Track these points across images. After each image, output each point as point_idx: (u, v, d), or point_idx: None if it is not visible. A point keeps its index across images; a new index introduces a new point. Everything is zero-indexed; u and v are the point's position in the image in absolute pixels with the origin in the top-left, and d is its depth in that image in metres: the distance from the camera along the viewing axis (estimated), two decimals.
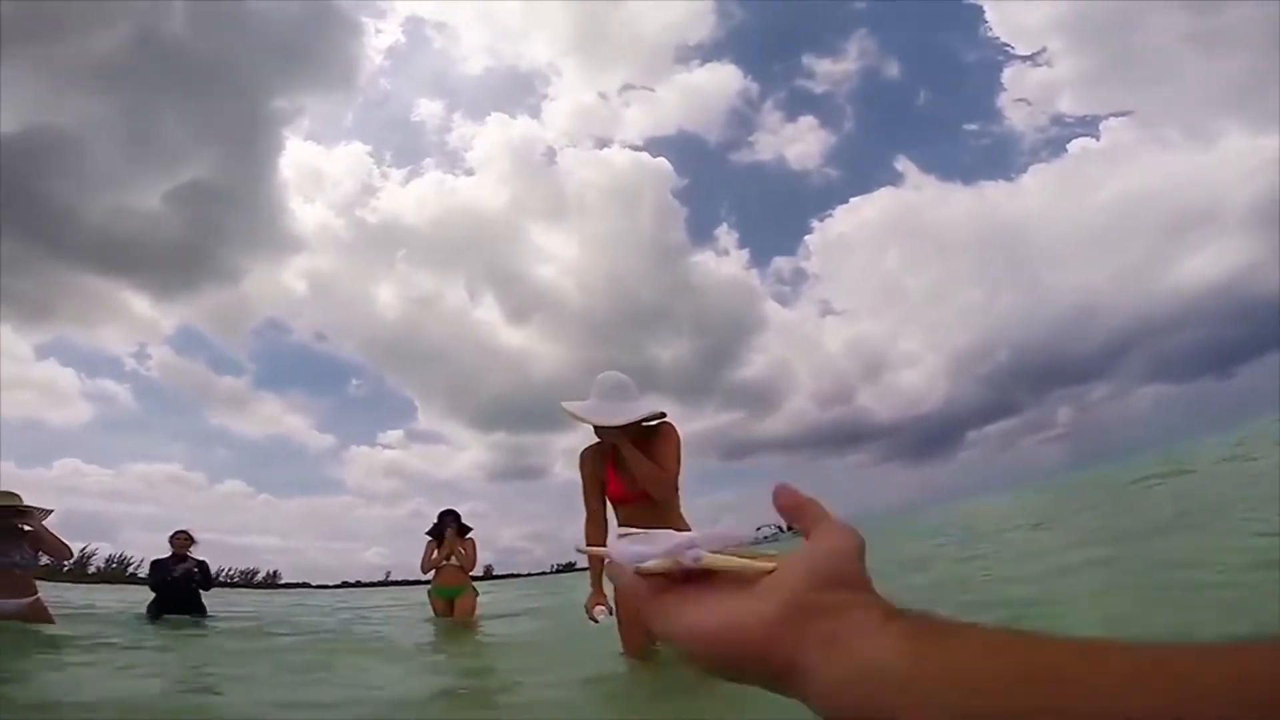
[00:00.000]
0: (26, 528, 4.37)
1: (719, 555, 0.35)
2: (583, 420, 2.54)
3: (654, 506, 2.61)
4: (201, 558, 6.37)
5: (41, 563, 4.49)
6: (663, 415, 2.65)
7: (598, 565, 2.63)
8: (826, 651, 0.29)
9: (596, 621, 2.65)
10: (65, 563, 4.79)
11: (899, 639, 0.28)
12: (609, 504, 2.75)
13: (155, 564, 6.14)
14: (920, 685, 0.26)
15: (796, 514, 0.37)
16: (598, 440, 2.71)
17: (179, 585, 6.04)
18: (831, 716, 0.29)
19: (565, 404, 2.59)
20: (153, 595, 6.05)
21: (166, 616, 5.89)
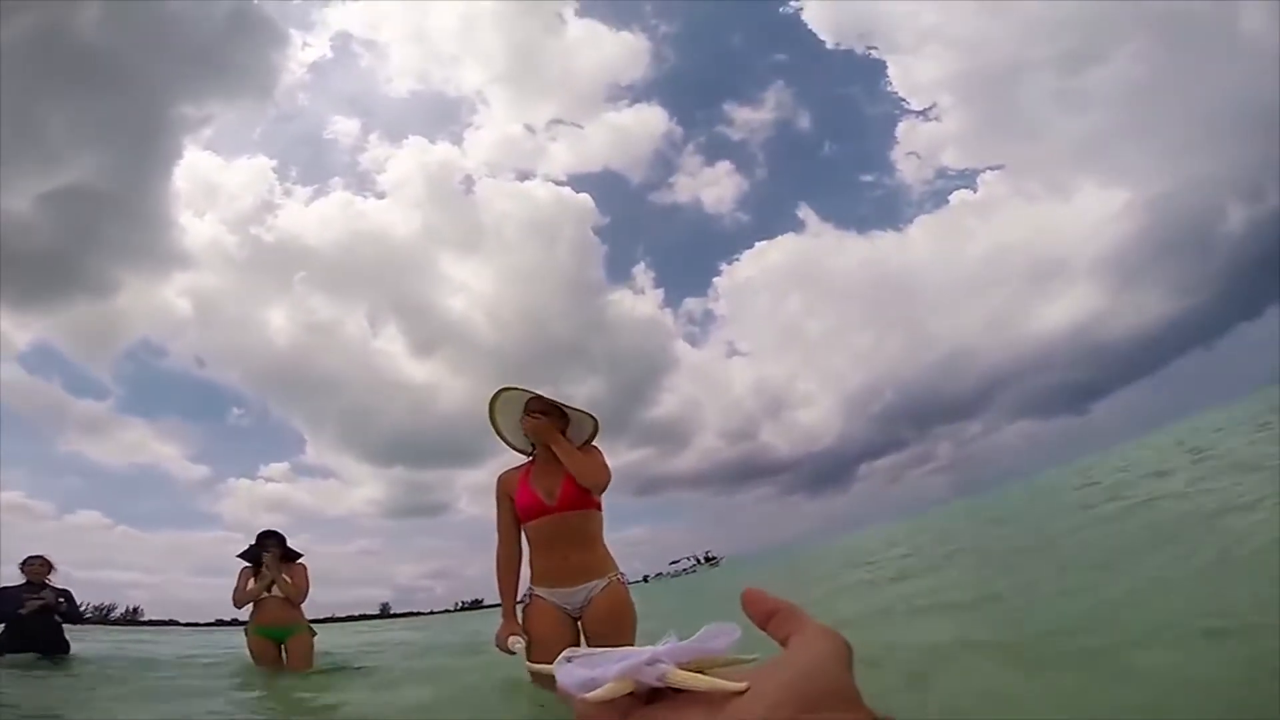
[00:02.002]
0: None
1: (686, 673, 0.31)
2: (522, 391, 2.46)
3: (573, 524, 2.42)
4: (63, 587, 5.31)
5: None
6: (597, 426, 2.54)
7: (511, 593, 2.47)
8: None
9: (512, 653, 2.36)
10: None
11: None
12: (524, 529, 2.50)
13: (2, 593, 5.08)
14: None
15: (769, 620, 0.33)
16: (516, 466, 2.60)
17: (35, 619, 5.03)
18: None
19: (505, 387, 2.47)
20: None
21: (12, 656, 4.84)
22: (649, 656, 0.31)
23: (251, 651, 4.23)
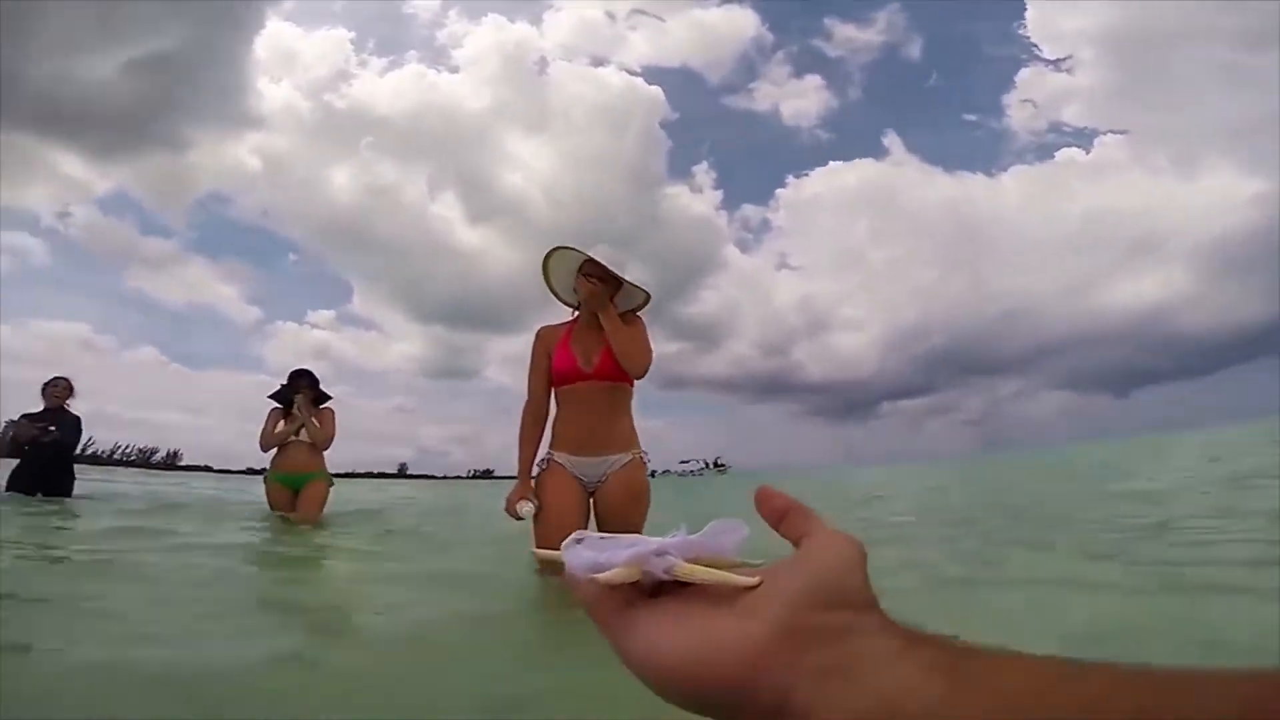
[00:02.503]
0: None
1: (695, 566, 0.30)
2: (579, 253, 2.38)
3: (605, 394, 2.38)
4: (78, 413, 4.95)
5: None
6: (648, 299, 2.51)
7: (531, 452, 2.41)
8: (830, 684, 0.24)
9: (520, 518, 2.29)
10: None
11: (925, 671, 0.23)
12: (554, 391, 2.45)
13: (19, 421, 4.74)
14: None
15: (784, 520, 0.32)
16: (559, 323, 2.54)
17: (42, 454, 4.72)
18: None
19: (562, 246, 2.40)
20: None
21: (18, 495, 4.56)
22: (657, 547, 0.30)
23: (269, 497, 4.24)
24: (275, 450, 4.23)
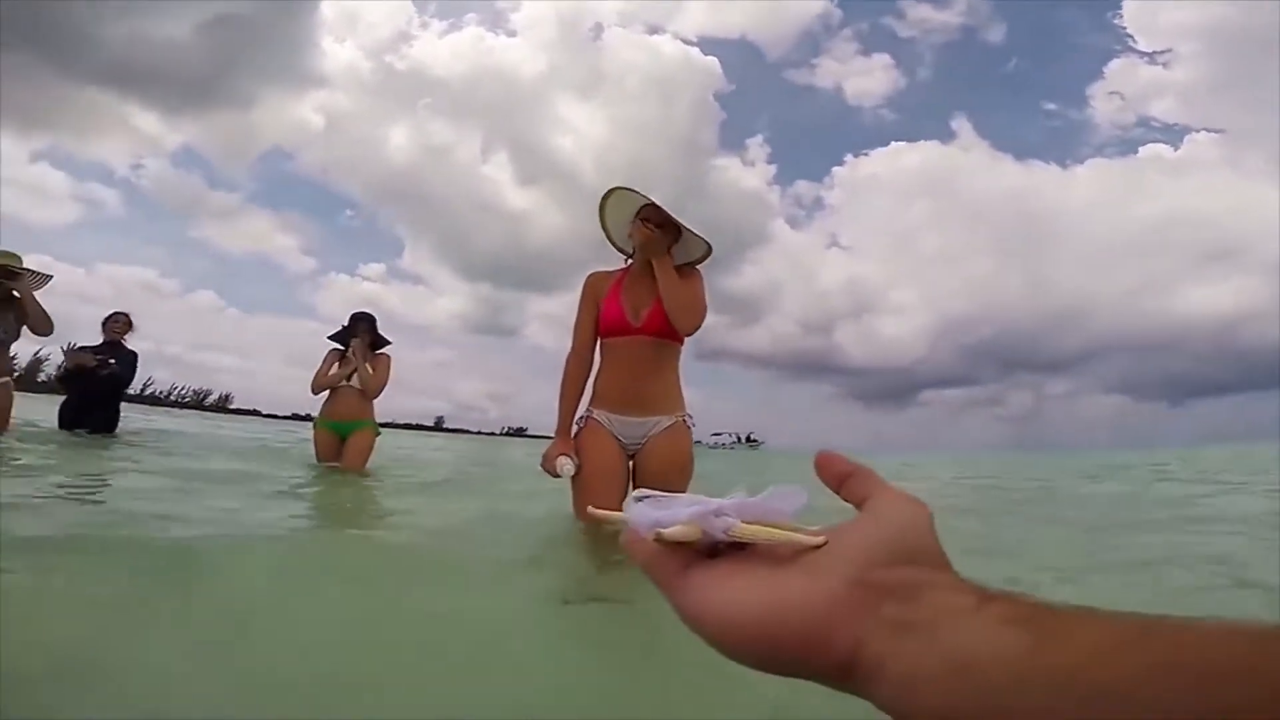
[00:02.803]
0: (16, 294, 3.84)
1: (754, 526, 0.29)
2: (638, 195, 2.21)
3: (652, 350, 2.23)
4: (135, 350, 4.97)
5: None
6: (709, 251, 2.31)
7: (572, 406, 2.27)
8: (905, 638, 0.24)
9: (558, 475, 2.17)
10: (44, 338, 4.08)
11: (1003, 626, 0.22)
12: (600, 342, 2.31)
13: (76, 350, 4.66)
14: (1039, 685, 0.20)
15: (846, 482, 0.32)
16: (610, 270, 2.38)
17: (95, 388, 4.73)
18: (910, 718, 0.23)
19: (621, 187, 2.23)
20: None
21: (76, 431, 4.65)
22: (716, 508, 0.30)
23: (316, 445, 4.10)
24: (325, 395, 4.08)
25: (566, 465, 2.15)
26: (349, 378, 4.04)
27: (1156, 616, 0.21)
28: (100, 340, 4.91)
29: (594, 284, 2.35)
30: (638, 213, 2.22)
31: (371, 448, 4.13)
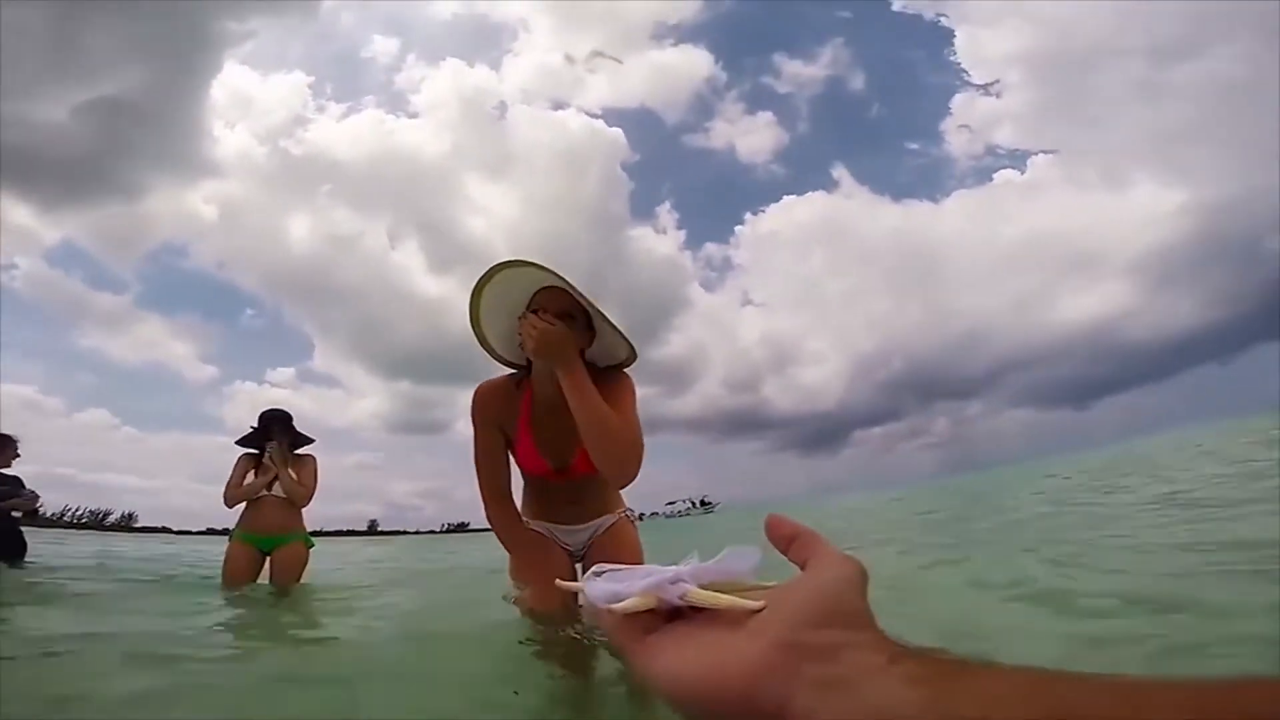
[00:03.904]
0: None
1: (706, 592, 0.32)
2: (536, 270, 1.56)
3: (584, 484, 1.81)
4: (15, 474, 4.54)
5: None
6: (633, 355, 1.72)
7: (516, 538, 1.85)
8: (823, 697, 0.26)
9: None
10: None
11: (908, 684, 0.25)
12: (521, 476, 1.87)
13: None
14: None
15: (792, 544, 0.35)
16: (509, 373, 1.79)
17: None
18: None
19: (506, 263, 1.57)
20: None
21: None
22: (672, 575, 0.33)
23: (227, 561, 3.54)
24: (243, 505, 3.62)
25: (513, 594, 1.91)
26: (269, 486, 3.59)
27: (1053, 671, 0.23)
28: None
29: (488, 408, 1.75)
30: (530, 300, 1.61)
31: (304, 562, 3.66)
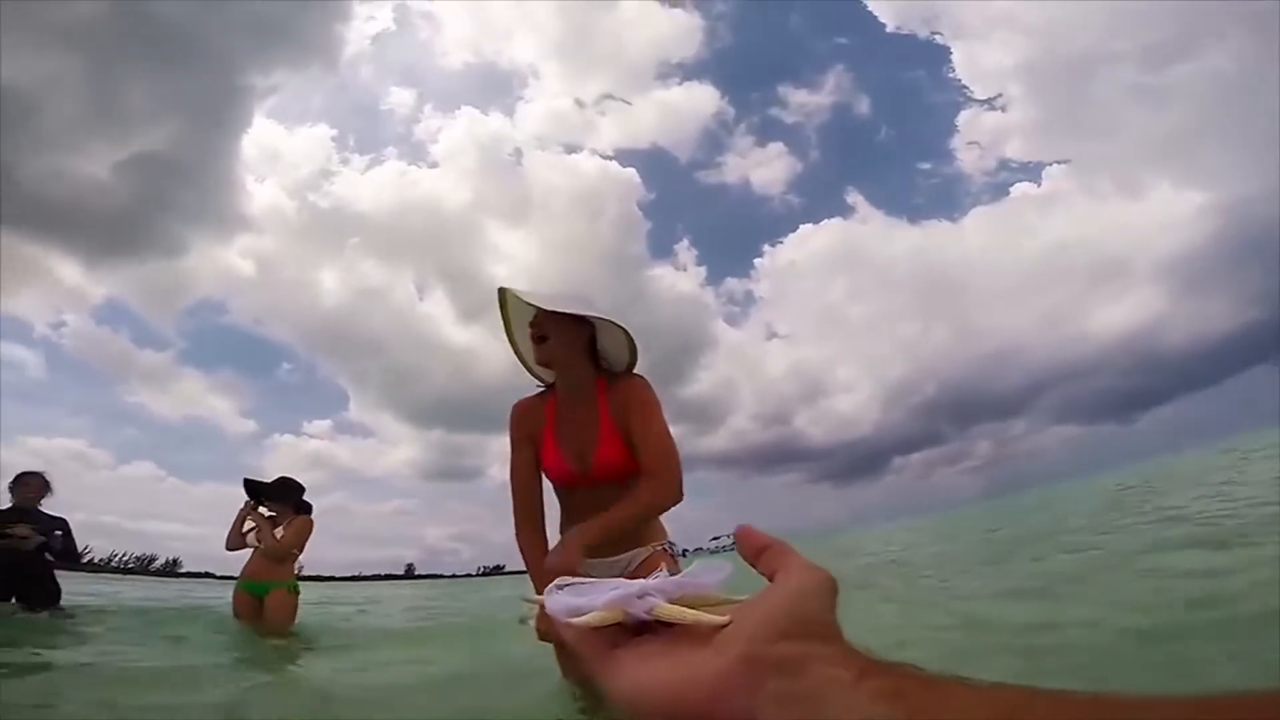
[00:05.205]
0: None
1: (673, 606, 0.31)
2: (518, 299, 1.70)
3: (611, 492, 1.74)
4: (59, 514, 4.20)
5: None
6: (634, 349, 1.76)
7: (541, 571, 1.77)
8: (789, 711, 0.26)
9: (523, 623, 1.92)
10: None
11: (877, 700, 0.25)
12: (552, 487, 1.87)
13: None
14: None
15: (760, 557, 0.33)
16: (542, 393, 1.86)
17: (13, 557, 3.88)
18: None
19: (507, 288, 1.74)
20: None
21: None
22: (639, 589, 0.31)
23: (234, 605, 3.86)
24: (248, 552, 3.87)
25: (529, 609, 1.83)
26: (260, 540, 3.84)
27: (1030, 688, 0.23)
28: (10, 504, 4.12)
29: (522, 421, 1.83)
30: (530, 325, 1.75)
31: (292, 607, 3.89)
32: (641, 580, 0.32)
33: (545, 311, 1.68)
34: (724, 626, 0.29)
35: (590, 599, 0.32)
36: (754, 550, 0.33)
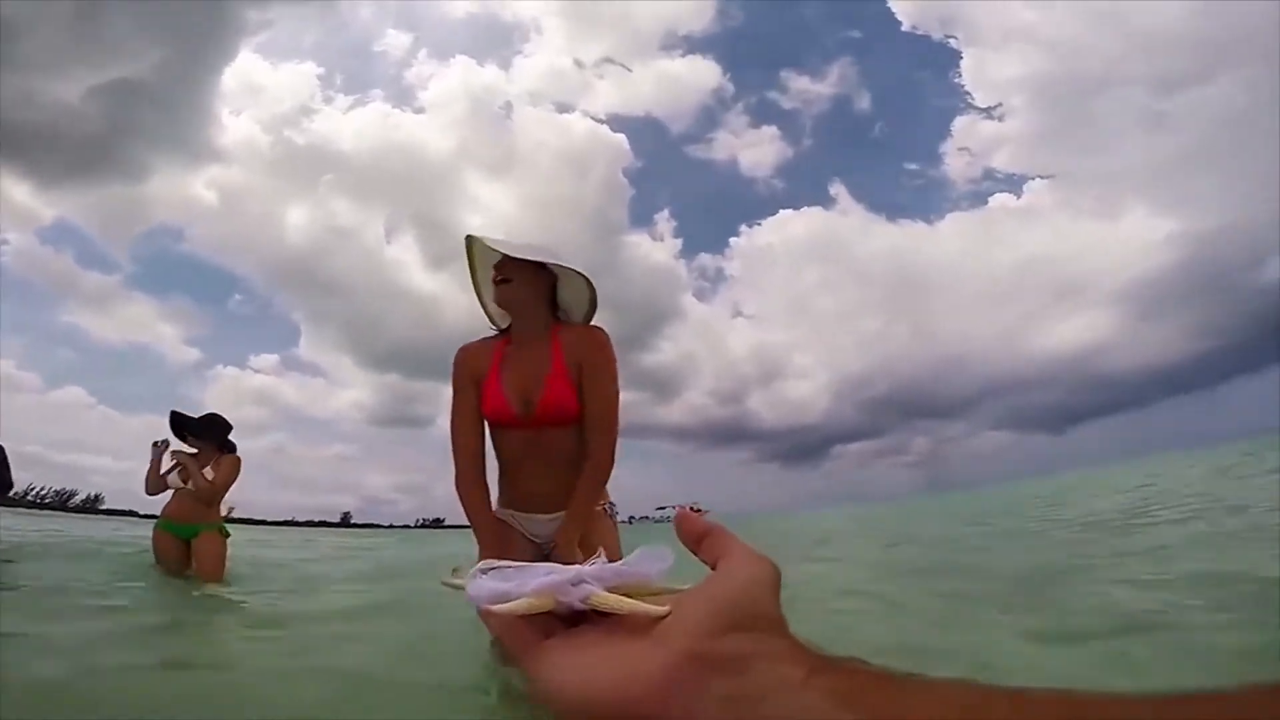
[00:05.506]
0: None
1: (609, 595, 0.29)
2: (487, 245, 1.71)
3: (553, 439, 1.75)
4: None
5: None
6: (593, 297, 1.81)
7: (484, 510, 1.81)
8: (735, 712, 0.24)
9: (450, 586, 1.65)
10: None
11: (830, 699, 0.22)
12: (490, 433, 1.81)
13: None
14: None
15: (700, 543, 0.31)
16: (489, 337, 1.86)
17: None
18: None
19: (475, 235, 1.75)
20: None
21: None
22: (574, 576, 0.29)
23: (154, 548, 3.59)
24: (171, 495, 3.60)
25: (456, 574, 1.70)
26: (185, 480, 3.57)
27: (987, 686, 0.21)
28: None
29: (469, 363, 1.80)
30: (495, 269, 1.76)
31: (223, 553, 3.65)
32: (576, 566, 0.30)
33: (510, 257, 1.71)
34: (664, 618, 0.27)
35: (518, 584, 0.30)
36: (694, 536, 0.31)
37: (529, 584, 0.29)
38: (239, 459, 3.74)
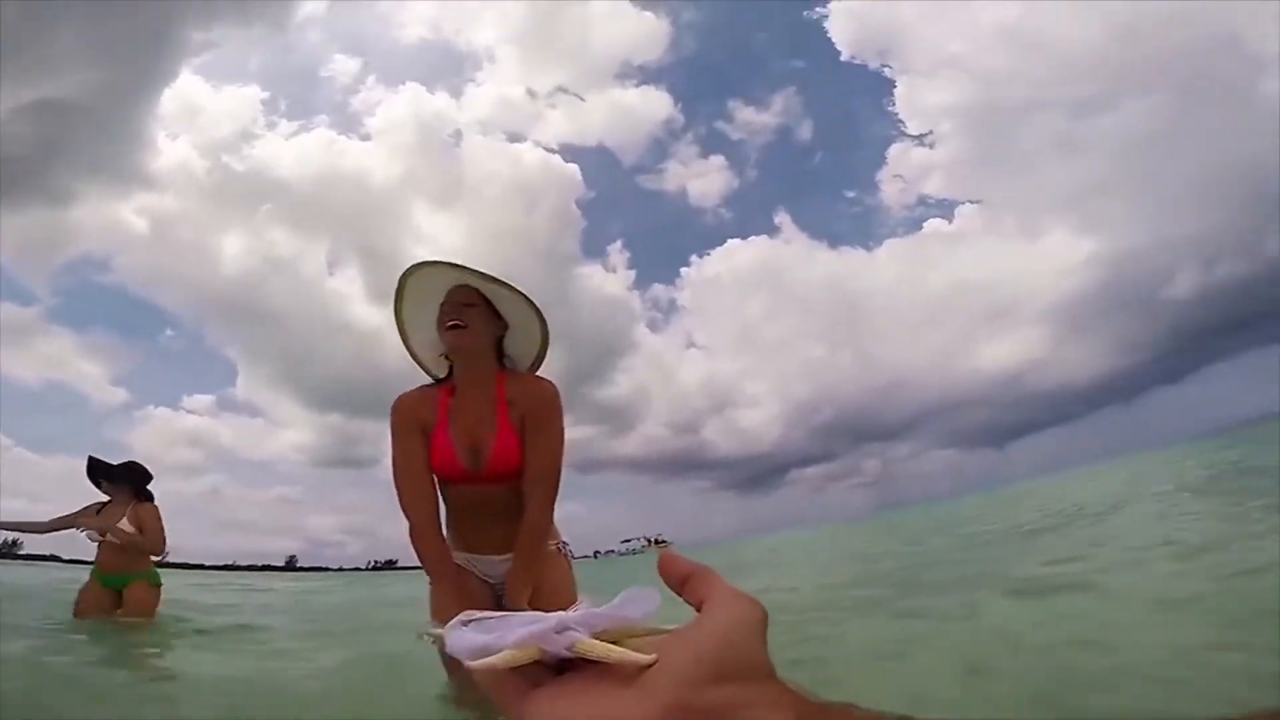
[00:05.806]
0: None
1: (595, 642, 0.28)
2: (450, 269, 1.65)
3: (502, 495, 1.67)
4: None
5: None
6: (545, 339, 1.75)
7: (442, 557, 1.70)
8: None
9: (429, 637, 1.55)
10: None
11: None
12: (441, 494, 1.71)
13: None
14: None
15: (685, 585, 0.31)
16: (431, 384, 1.76)
17: None
18: None
19: (426, 262, 1.66)
20: None
21: None
22: (557, 623, 0.28)
23: (81, 597, 3.44)
24: (98, 546, 3.46)
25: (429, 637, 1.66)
26: (103, 535, 3.40)
27: None
28: None
29: (411, 411, 1.69)
30: (442, 306, 1.65)
31: (155, 599, 3.57)
32: (560, 613, 0.29)
33: (482, 293, 1.64)
34: (650, 666, 0.27)
35: (499, 635, 0.29)
36: (679, 578, 0.31)
37: (510, 635, 0.29)
38: (157, 508, 3.61)
